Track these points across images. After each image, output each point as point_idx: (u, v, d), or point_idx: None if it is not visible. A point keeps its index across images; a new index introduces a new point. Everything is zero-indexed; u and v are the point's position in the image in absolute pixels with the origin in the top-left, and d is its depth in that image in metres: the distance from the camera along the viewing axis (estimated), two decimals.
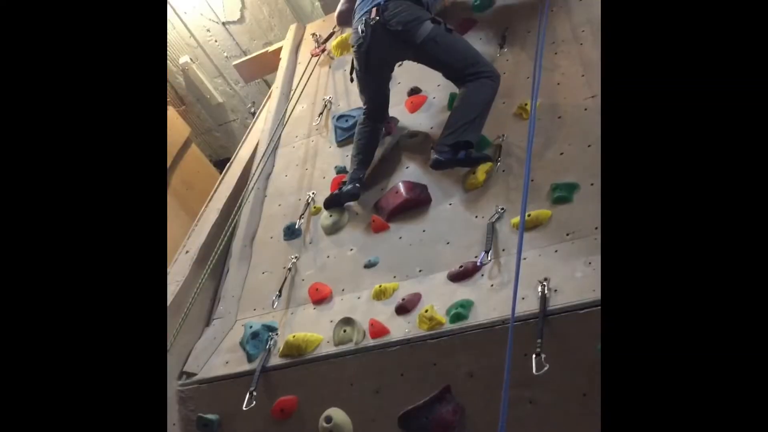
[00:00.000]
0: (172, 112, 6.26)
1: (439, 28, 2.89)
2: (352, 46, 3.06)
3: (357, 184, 3.04)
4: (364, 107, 3.22)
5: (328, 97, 3.75)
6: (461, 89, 2.90)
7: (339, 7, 3.74)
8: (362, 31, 2.93)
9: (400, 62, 3.18)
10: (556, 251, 2.36)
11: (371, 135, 3.15)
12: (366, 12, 2.96)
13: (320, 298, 2.80)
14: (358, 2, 3.09)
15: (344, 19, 3.58)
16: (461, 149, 2.77)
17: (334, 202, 3.09)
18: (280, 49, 4.44)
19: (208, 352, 2.81)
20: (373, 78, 3.11)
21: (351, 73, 3.19)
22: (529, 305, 2.18)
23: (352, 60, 3.12)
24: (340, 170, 3.29)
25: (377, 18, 2.88)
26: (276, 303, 2.89)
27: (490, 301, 2.31)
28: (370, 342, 2.45)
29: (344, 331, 2.53)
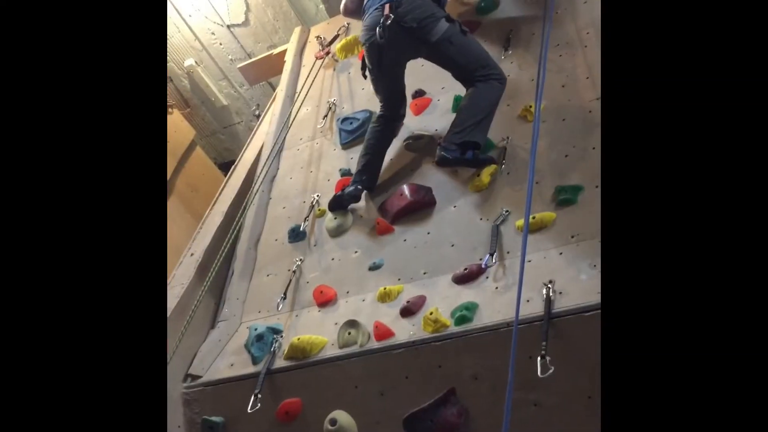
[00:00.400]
0: (176, 115, 6.29)
1: (453, 27, 2.85)
2: (363, 44, 3.00)
3: (359, 186, 3.04)
4: (381, 106, 3.15)
5: (332, 100, 3.76)
6: (469, 89, 2.88)
7: None
8: (377, 29, 2.83)
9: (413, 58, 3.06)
10: (560, 253, 2.36)
11: (381, 135, 3.12)
12: (378, 8, 2.89)
13: (325, 300, 2.80)
14: None
15: (350, 12, 3.41)
16: (469, 149, 2.77)
17: (337, 204, 3.09)
18: (284, 51, 4.46)
19: (213, 355, 2.82)
20: (385, 75, 3.04)
21: (363, 70, 3.13)
22: (533, 307, 2.18)
23: (363, 57, 3.07)
24: (345, 173, 3.29)
25: (391, 15, 2.81)
26: (281, 305, 2.89)
27: (494, 304, 2.31)
28: (374, 344, 2.45)
29: (349, 333, 2.53)
